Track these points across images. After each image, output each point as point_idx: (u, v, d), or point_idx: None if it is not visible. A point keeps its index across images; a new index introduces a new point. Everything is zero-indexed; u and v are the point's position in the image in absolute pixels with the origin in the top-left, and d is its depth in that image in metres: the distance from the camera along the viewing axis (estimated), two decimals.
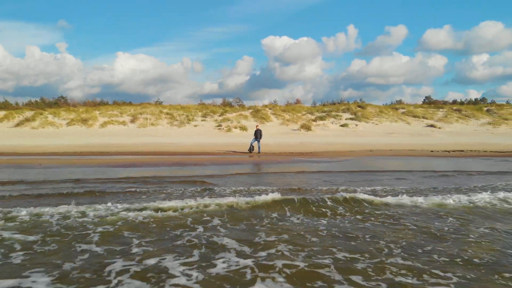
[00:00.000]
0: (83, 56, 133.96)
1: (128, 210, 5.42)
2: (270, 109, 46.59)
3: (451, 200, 6.36)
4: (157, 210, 5.44)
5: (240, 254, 3.80)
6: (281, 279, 3.20)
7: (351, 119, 42.47)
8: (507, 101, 62.02)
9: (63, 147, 19.86)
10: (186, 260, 3.62)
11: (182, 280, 3.17)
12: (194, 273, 3.32)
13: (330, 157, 16.73)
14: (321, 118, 42.48)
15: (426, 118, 44.95)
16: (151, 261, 3.57)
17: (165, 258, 3.66)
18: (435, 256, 3.77)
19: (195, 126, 39.88)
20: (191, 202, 5.91)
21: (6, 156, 15.93)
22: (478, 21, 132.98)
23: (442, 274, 3.34)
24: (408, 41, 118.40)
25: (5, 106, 61.58)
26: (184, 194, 7.00)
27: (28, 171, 10.77)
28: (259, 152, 19.08)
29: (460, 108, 49.05)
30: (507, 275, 3.32)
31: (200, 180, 8.89)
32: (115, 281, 3.14)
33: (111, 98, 66.25)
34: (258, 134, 19.54)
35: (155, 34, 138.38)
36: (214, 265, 3.49)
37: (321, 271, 3.38)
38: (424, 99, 67.07)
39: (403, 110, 47.96)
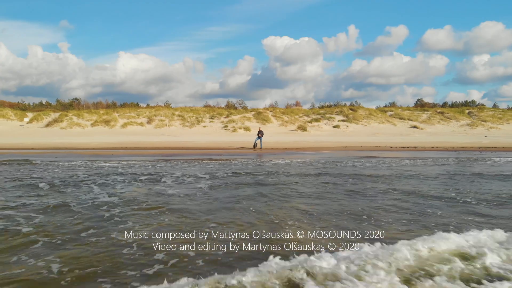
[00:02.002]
0: (85, 55, 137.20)
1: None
2: (270, 111, 51.67)
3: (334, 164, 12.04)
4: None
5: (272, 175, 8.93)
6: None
7: (343, 120, 47.49)
8: (493, 104, 66.82)
9: (105, 143, 24.95)
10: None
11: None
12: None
13: (312, 151, 21.80)
14: (316, 120, 47.52)
15: (411, 120, 49.91)
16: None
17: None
18: (311, 171, 8.98)
19: (204, 127, 45.00)
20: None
21: (75, 149, 21.02)
22: (478, 21, 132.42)
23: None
24: (409, 41, 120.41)
25: (24, 107, 66.92)
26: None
27: (122, 157, 15.64)
28: (261, 148, 24.17)
29: (443, 111, 53.98)
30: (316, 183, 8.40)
31: (233, 158, 14.34)
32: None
33: (112, 98, 70.52)
34: (260, 134, 24.71)
35: (156, 34, 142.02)
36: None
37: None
38: (416, 101, 72.21)
39: (391, 113, 52.92)
